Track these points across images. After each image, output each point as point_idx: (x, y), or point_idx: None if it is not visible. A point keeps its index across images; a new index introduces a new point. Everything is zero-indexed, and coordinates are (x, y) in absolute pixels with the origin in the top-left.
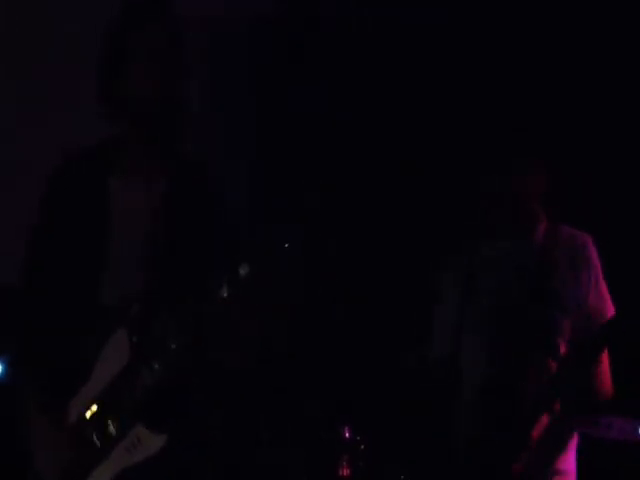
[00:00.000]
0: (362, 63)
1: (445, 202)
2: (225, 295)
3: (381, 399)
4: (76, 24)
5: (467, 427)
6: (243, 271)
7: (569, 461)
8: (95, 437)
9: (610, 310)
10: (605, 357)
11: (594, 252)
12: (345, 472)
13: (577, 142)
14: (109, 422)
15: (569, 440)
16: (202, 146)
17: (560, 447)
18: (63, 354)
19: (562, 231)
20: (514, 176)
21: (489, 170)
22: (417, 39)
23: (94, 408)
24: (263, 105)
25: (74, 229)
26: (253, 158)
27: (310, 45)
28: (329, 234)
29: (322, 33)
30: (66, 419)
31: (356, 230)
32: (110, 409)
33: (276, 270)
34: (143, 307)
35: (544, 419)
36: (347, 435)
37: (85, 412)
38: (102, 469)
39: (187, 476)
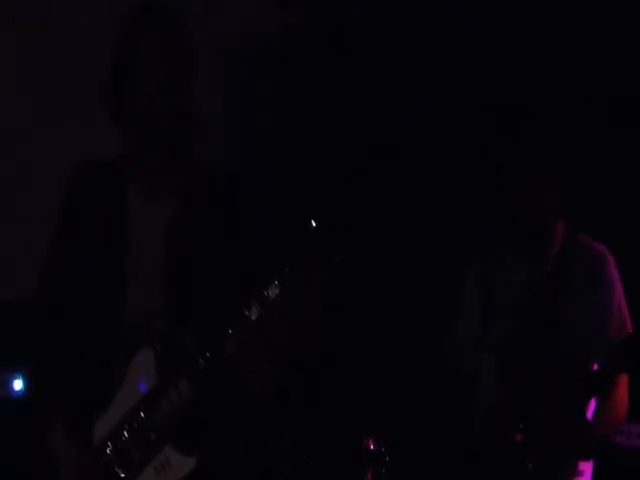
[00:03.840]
0: (378, 68)
1: (462, 206)
2: (255, 317)
3: (404, 410)
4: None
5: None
6: (273, 292)
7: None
8: (120, 460)
9: (628, 331)
10: (623, 381)
11: (614, 270)
12: None
13: (595, 151)
14: (134, 445)
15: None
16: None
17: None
18: (85, 372)
19: (579, 245)
20: (531, 176)
21: (507, 170)
22: (434, 41)
23: (118, 430)
24: (281, 119)
25: (93, 245)
26: (270, 169)
27: (325, 53)
28: (348, 241)
29: (337, 42)
30: (91, 441)
31: (375, 242)
32: (137, 431)
33: (305, 289)
34: (166, 325)
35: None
36: (371, 447)
37: (110, 434)
38: None
39: None
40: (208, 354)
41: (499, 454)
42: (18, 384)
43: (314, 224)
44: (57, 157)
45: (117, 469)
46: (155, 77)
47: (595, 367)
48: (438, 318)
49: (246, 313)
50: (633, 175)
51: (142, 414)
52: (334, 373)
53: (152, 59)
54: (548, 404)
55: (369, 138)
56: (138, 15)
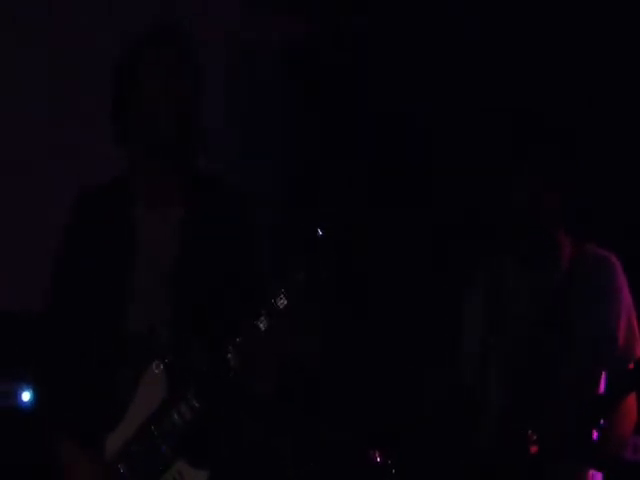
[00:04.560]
0: (378, 68)
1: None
2: (264, 327)
3: (410, 423)
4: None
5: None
6: (281, 303)
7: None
8: (132, 475)
9: (637, 354)
10: (631, 398)
11: (622, 277)
12: None
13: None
14: (147, 458)
15: None
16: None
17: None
18: (93, 386)
19: (587, 255)
20: (531, 176)
21: (507, 170)
22: (434, 41)
23: (131, 444)
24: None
25: (99, 260)
26: (270, 175)
27: (325, 53)
28: (353, 251)
29: (337, 43)
30: (103, 455)
31: (380, 250)
32: (149, 445)
33: (311, 299)
34: (173, 336)
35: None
36: (378, 459)
37: (122, 448)
38: None
39: None
40: (217, 365)
41: (513, 467)
42: (26, 395)
43: (321, 233)
44: (57, 158)
45: None
46: (158, 86)
47: (601, 388)
48: (442, 324)
49: (255, 323)
50: (634, 175)
51: (154, 428)
52: (336, 375)
53: (155, 70)
54: (557, 411)
55: (369, 139)
56: (141, 35)
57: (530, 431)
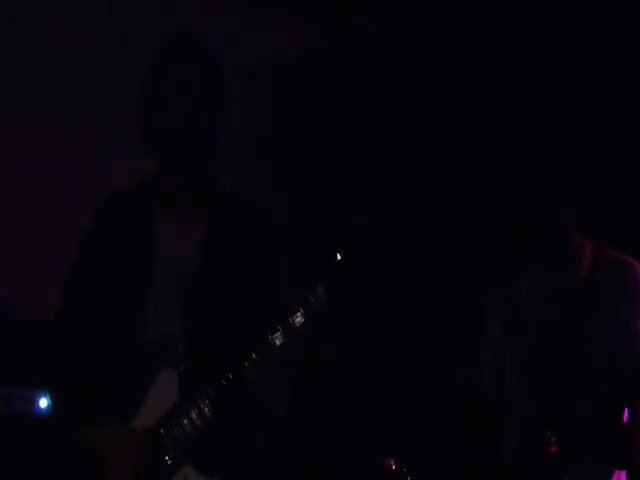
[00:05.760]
0: (378, 69)
1: (485, 226)
2: (279, 343)
3: (428, 430)
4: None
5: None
6: (298, 320)
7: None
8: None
9: None
10: None
11: None
12: None
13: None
14: (154, 461)
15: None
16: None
17: None
18: (106, 389)
19: (608, 259)
20: (532, 177)
21: (507, 171)
22: (434, 41)
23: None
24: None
25: (118, 265)
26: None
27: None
28: (373, 261)
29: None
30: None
31: (399, 259)
32: (156, 449)
33: (329, 316)
34: (188, 345)
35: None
36: (393, 467)
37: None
38: None
39: None
40: (231, 376)
41: (535, 471)
42: (44, 402)
43: (339, 257)
44: (57, 158)
45: None
46: (179, 98)
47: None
48: (460, 340)
49: (271, 339)
50: (634, 175)
51: (163, 431)
52: (350, 380)
53: (176, 81)
54: (581, 416)
55: (370, 139)
56: (168, 40)
57: (549, 432)
